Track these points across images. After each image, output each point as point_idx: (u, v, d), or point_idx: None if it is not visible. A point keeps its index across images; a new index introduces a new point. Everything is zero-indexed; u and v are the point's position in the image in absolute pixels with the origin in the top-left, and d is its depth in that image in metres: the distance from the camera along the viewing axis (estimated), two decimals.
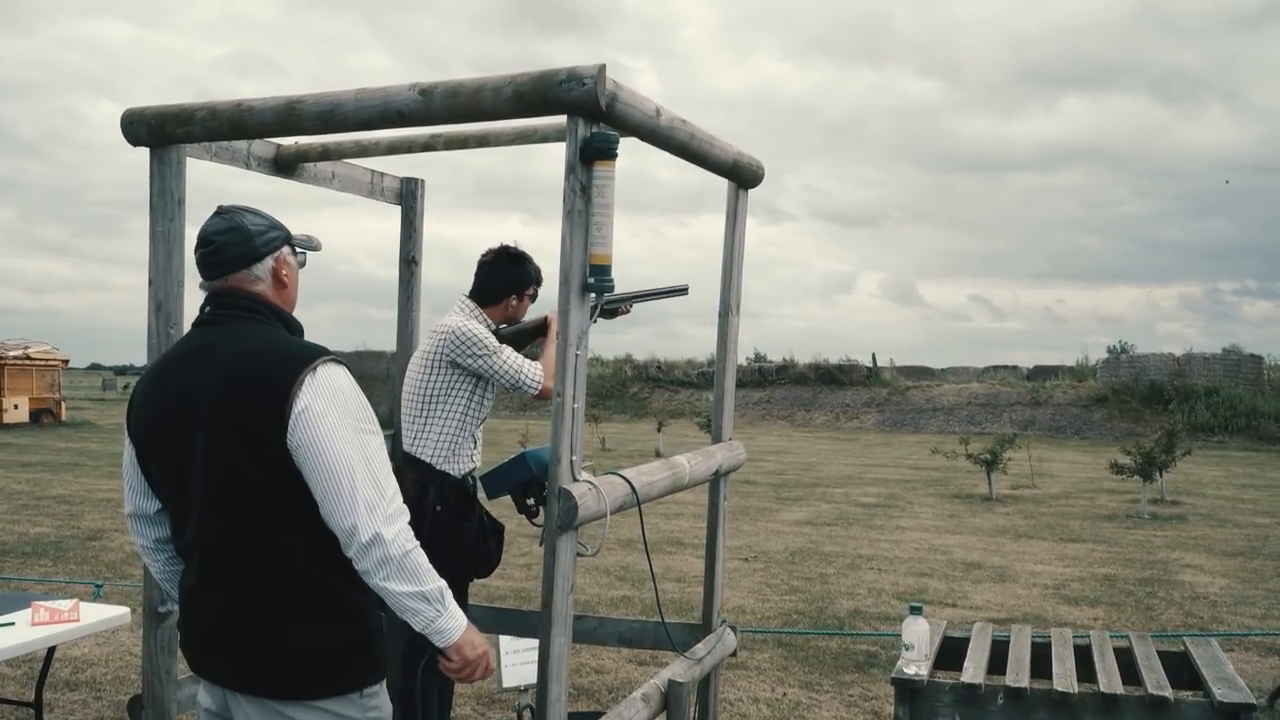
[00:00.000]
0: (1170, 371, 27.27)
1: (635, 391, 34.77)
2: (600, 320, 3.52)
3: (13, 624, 3.61)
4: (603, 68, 2.31)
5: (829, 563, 8.68)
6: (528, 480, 3.20)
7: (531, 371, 3.44)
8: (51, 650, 3.92)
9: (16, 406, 27.07)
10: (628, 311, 3.47)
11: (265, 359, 2.01)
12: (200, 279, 2.16)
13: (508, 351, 3.45)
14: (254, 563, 2.02)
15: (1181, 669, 3.55)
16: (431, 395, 3.46)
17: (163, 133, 2.75)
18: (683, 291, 3.43)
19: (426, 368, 3.47)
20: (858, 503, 12.85)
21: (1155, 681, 3.27)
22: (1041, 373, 32.45)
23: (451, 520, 3.41)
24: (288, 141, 3.28)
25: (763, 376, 33.78)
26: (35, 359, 28.01)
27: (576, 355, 2.39)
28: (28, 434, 24.11)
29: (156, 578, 2.30)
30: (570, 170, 2.35)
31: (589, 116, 2.35)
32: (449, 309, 3.63)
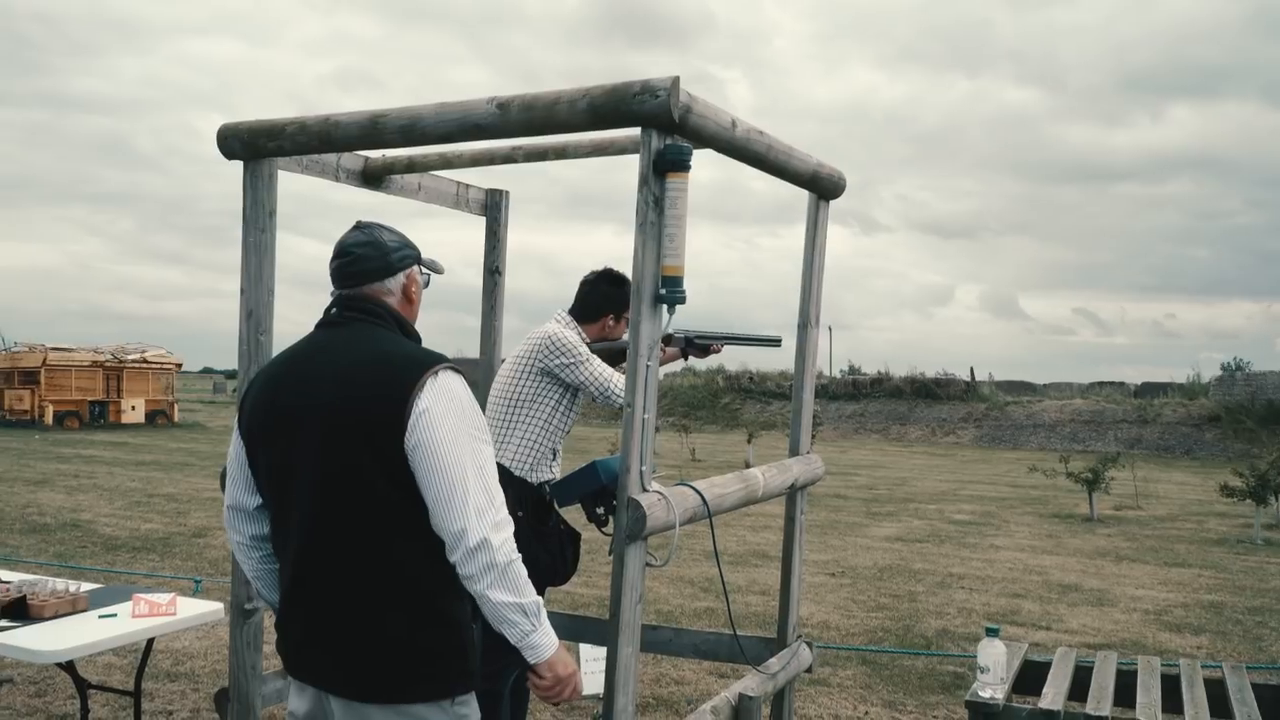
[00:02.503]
0: None
1: (727, 402, 34.66)
2: (692, 357, 3.66)
3: (115, 615, 3.78)
4: (676, 80, 2.31)
5: (918, 580, 8.50)
6: (597, 489, 3.22)
7: (620, 383, 3.45)
8: (150, 642, 4.08)
9: (134, 408, 28.38)
10: (718, 350, 3.60)
11: (388, 360, 2.06)
12: (333, 288, 2.22)
13: (597, 361, 3.47)
14: (357, 562, 2.03)
15: (1278, 703, 3.37)
16: (518, 400, 3.49)
17: (255, 147, 2.85)
18: (776, 343, 3.58)
19: (517, 373, 3.51)
20: (951, 520, 12.56)
21: (1246, 715, 3.12)
22: (1150, 390, 31.32)
23: (530, 528, 3.44)
24: (375, 154, 3.37)
25: (856, 389, 33.33)
26: (151, 363, 29.33)
27: (647, 366, 2.40)
28: (143, 434, 25.23)
29: (249, 575, 2.32)
30: (643, 182, 2.36)
31: (662, 128, 2.36)
32: (547, 319, 3.67)
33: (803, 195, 3.39)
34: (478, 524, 1.96)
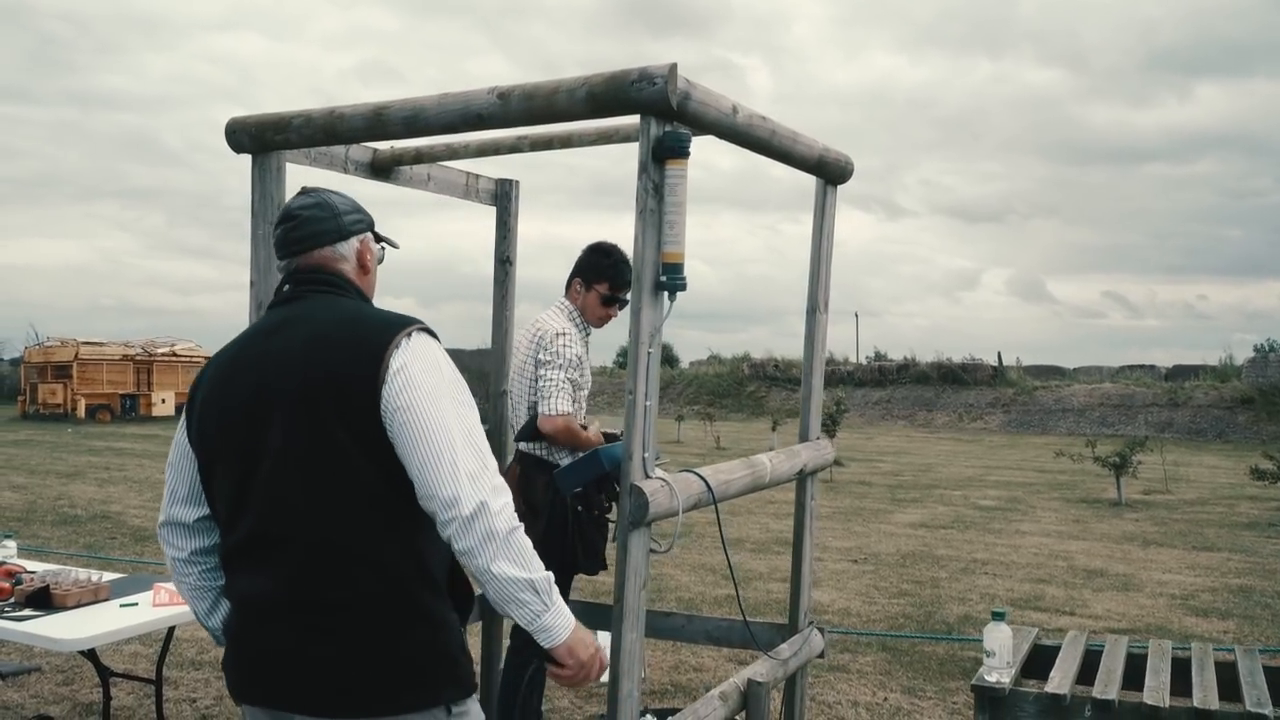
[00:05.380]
0: None
1: (752, 390, 34.56)
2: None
3: (136, 604, 3.84)
4: (673, 66, 2.31)
5: (941, 566, 8.47)
6: (601, 476, 3.23)
7: (557, 403, 3.47)
8: (171, 630, 4.14)
9: (164, 400, 28.71)
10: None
11: (357, 323, 1.89)
12: (279, 260, 2.03)
13: (562, 375, 3.52)
14: (332, 555, 1.81)
15: None
16: (534, 396, 3.59)
17: (262, 140, 2.87)
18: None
19: (526, 369, 3.64)
20: (976, 505, 12.49)
21: (1256, 698, 3.09)
22: (1181, 372, 30.93)
23: (590, 517, 3.50)
24: (383, 146, 3.38)
25: (883, 376, 33.13)
26: (181, 356, 29.66)
27: (649, 353, 2.40)
28: (173, 426, 25.28)
29: (186, 595, 2.09)
30: (643, 169, 2.36)
31: (661, 116, 2.36)
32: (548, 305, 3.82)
33: None
34: (471, 488, 1.74)
